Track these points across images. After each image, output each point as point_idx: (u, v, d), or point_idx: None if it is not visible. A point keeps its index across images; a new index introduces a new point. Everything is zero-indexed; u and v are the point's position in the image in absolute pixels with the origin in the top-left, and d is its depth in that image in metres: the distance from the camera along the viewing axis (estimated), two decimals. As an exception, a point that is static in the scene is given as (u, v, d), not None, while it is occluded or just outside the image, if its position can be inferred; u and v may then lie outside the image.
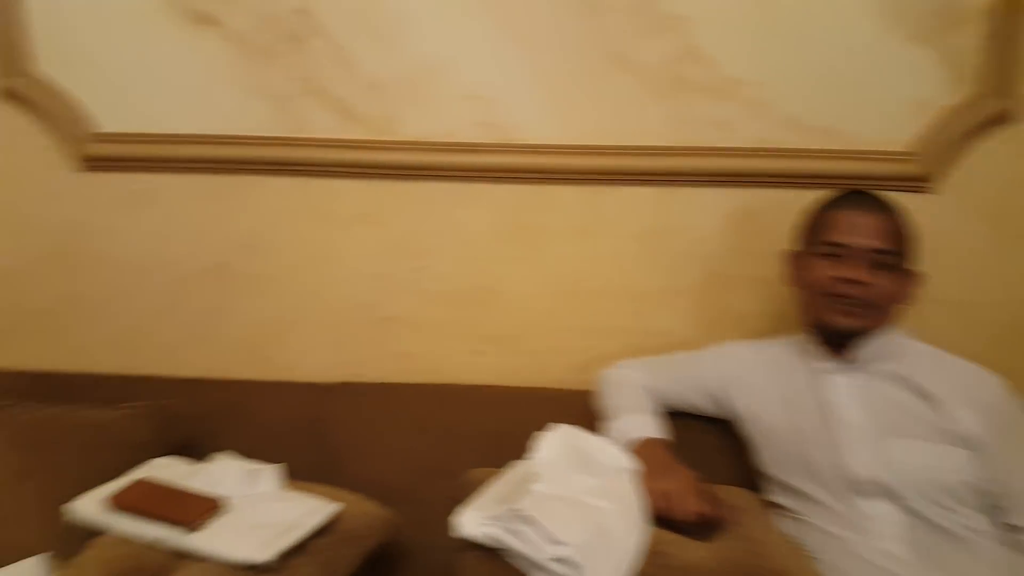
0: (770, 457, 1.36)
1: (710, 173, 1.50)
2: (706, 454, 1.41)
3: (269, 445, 1.44)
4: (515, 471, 1.29)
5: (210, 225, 1.61)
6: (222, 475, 1.27)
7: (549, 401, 1.53)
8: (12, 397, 1.48)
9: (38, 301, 1.67)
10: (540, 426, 1.37)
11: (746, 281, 1.56)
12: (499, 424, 1.49)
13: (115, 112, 1.56)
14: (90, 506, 1.20)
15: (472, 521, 1.15)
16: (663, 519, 1.20)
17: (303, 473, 1.38)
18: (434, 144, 1.52)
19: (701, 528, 1.20)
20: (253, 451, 1.40)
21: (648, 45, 1.46)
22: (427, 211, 1.57)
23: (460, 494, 1.32)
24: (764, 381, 1.38)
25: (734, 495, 1.30)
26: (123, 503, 1.18)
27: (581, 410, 1.46)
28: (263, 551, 1.10)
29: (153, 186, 1.59)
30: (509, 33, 1.46)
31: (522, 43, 1.46)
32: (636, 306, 1.59)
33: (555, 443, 1.32)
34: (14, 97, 1.55)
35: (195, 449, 1.42)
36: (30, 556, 1.34)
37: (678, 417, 1.42)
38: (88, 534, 1.21)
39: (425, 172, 1.54)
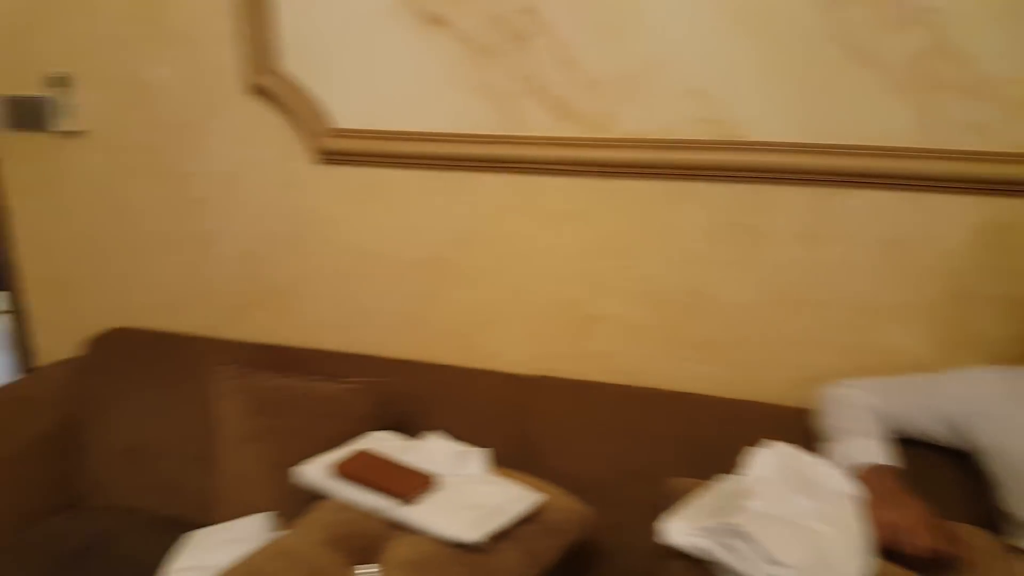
0: (1018, 498, 1.20)
1: (961, 179, 1.36)
2: (939, 487, 1.28)
3: (472, 429, 1.49)
4: (725, 485, 1.24)
5: (428, 218, 1.68)
6: (434, 453, 1.32)
7: (759, 415, 1.45)
8: (250, 366, 1.63)
9: (273, 280, 1.82)
10: (748, 441, 1.31)
11: (997, 301, 1.40)
12: (703, 434, 1.45)
13: (350, 109, 1.67)
14: (315, 471, 1.29)
15: (680, 530, 1.12)
16: (890, 552, 1.10)
17: (503, 460, 1.41)
18: (650, 141, 1.49)
19: (933, 566, 1.09)
20: (457, 433, 1.45)
21: (893, 39, 1.34)
22: (638, 209, 1.54)
23: (661, 501, 1.29)
24: (1016, 414, 1.23)
25: (971, 534, 1.18)
26: (346, 471, 1.25)
27: (795, 428, 1.38)
28: (473, 531, 1.12)
29: (380, 180, 1.68)
30: (740, 27, 1.40)
31: (753, 37, 1.40)
32: (865, 321, 1.47)
33: (770, 460, 1.25)
34: (264, 93, 1.70)
35: (406, 426, 1.49)
36: (258, 512, 1.46)
37: (908, 445, 1.30)
38: (311, 497, 1.30)
39: (639, 170, 1.51)
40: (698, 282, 1.54)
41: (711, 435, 1.42)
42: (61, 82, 1.84)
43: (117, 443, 1.73)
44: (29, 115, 1.88)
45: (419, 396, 1.58)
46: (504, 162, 1.59)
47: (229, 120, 1.75)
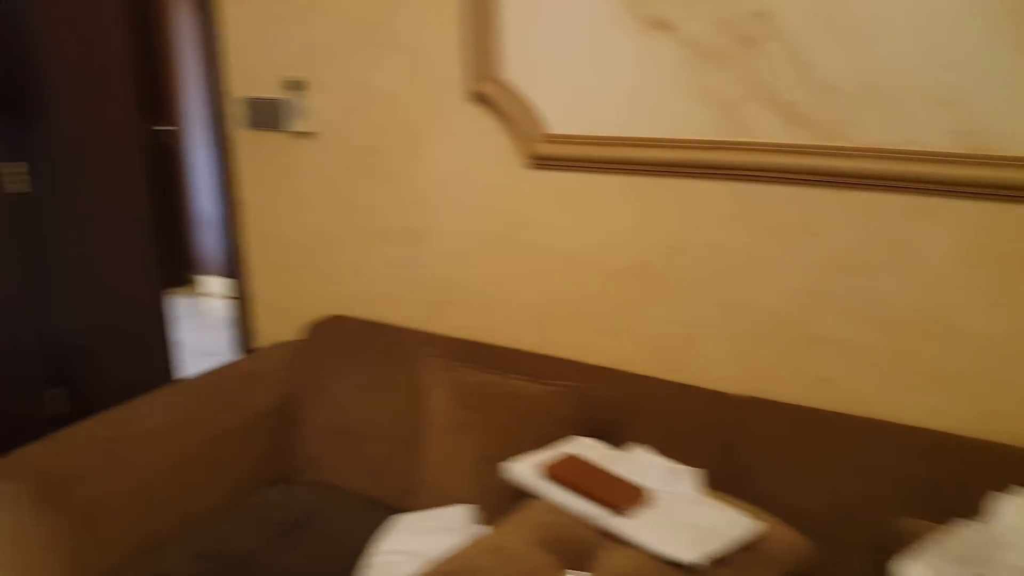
0: None
1: None
2: None
3: (676, 446, 1.44)
4: (969, 532, 1.12)
5: (636, 225, 1.65)
6: (645, 467, 1.29)
7: (1006, 459, 1.30)
8: (455, 360, 1.68)
9: (479, 279, 1.87)
10: (993, 486, 1.18)
11: None
12: (937, 474, 1.32)
13: (565, 115, 1.68)
14: (525, 470, 1.30)
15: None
16: None
17: (709, 481, 1.35)
18: (892, 151, 1.38)
19: None
20: (660, 449, 1.41)
21: None
22: (875, 225, 1.43)
23: (888, 541, 1.20)
24: None
25: None
26: (556, 474, 1.25)
27: (1051, 477, 1.23)
28: (692, 551, 1.08)
29: (589, 185, 1.68)
30: (1002, 32, 1.27)
31: (1018, 43, 1.26)
32: None
33: (1025, 510, 1.12)
34: (483, 100, 1.75)
35: (607, 435, 1.47)
36: (459, 502, 1.50)
37: None
38: (515, 494, 1.31)
39: (878, 182, 1.41)
40: (940, 308, 1.41)
41: (947, 476, 1.30)
42: (297, 86, 2.00)
43: (328, 423, 1.83)
44: (267, 115, 2.05)
45: (621, 406, 1.55)
46: (724, 169, 1.54)
47: (449, 125, 1.81)
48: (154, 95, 4.46)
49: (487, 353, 1.76)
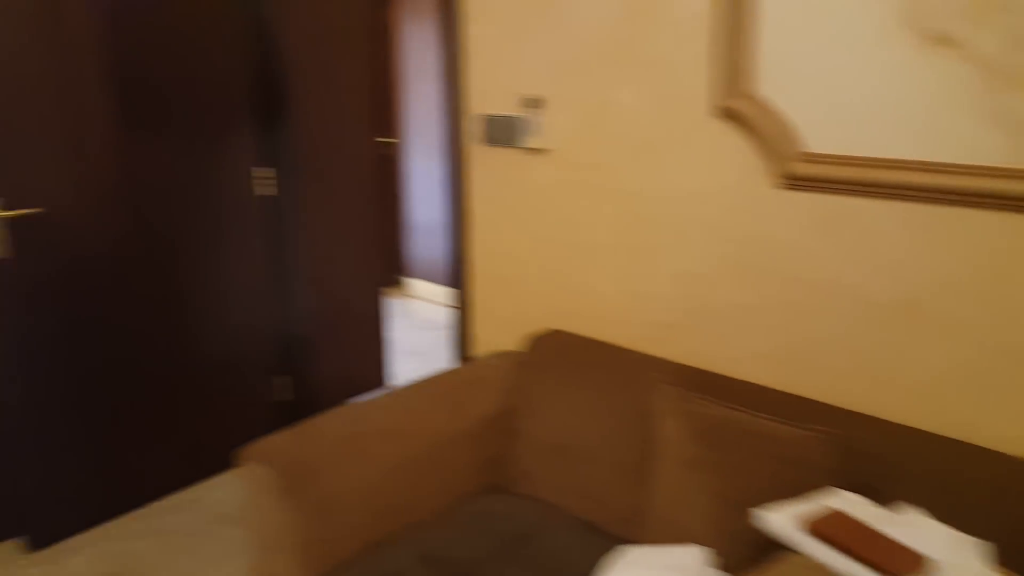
0: None
1: None
2: None
3: (952, 511, 1.27)
4: None
5: (907, 257, 1.49)
6: (924, 533, 1.15)
7: None
8: (687, 389, 1.60)
9: (711, 303, 1.78)
10: None
11: None
12: None
13: (824, 133, 1.56)
14: (782, 521, 1.20)
15: None
16: None
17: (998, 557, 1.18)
18: None
19: None
20: (934, 513, 1.25)
21: None
22: None
23: None
24: None
25: None
26: (822, 530, 1.14)
27: None
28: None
29: (851, 210, 1.55)
30: None
31: None
32: None
33: None
34: (732, 117, 1.67)
35: (869, 491, 1.33)
36: (687, 541, 1.41)
37: None
38: (760, 543, 1.22)
39: None
40: None
41: None
42: (535, 103, 2.01)
43: (546, 438, 1.82)
44: (502, 132, 2.09)
45: (885, 459, 1.39)
46: (1020, 200, 1.35)
47: (689, 142, 1.75)
48: (378, 108, 4.75)
49: (722, 385, 1.66)
